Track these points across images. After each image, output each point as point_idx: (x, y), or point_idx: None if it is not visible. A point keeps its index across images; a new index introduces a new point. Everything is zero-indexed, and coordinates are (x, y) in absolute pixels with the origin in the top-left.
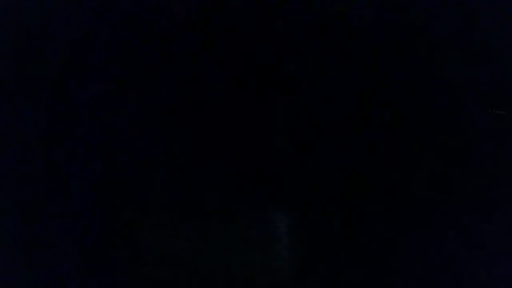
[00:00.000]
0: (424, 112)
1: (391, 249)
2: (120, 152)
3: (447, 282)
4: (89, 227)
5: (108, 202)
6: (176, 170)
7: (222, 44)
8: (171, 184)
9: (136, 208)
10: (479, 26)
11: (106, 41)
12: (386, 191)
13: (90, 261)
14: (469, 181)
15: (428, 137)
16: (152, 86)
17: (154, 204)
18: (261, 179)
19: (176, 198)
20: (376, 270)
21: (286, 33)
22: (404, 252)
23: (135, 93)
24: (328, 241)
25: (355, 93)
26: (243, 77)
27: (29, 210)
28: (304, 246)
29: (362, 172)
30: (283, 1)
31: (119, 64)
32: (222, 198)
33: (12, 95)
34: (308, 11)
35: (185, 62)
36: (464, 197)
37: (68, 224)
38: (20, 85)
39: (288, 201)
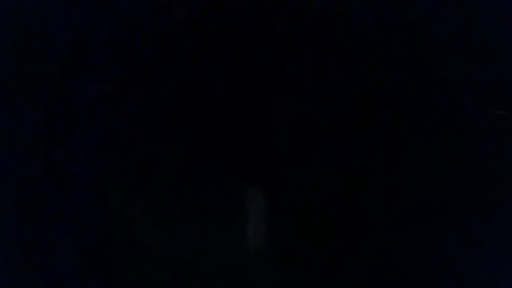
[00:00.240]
0: (424, 112)
1: (391, 249)
2: (120, 152)
3: (447, 282)
4: (89, 227)
5: (108, 202)
6: (176, 170)
7: (222, 44)
8: (171, 184)
9: (136, 208)
10: (479, 26)
11: (106, 41)
12: (386, 191)
13: (90, 261)
14: (469, 181)
15: (428, 137)
16: (152, 86)
17: (154, 204)
18: (261, 179)
19: (176, 198)
20: (376, 270)
21: (286, 33)
22: (404, 252)
23: (135, 93)
24: (328, 241)
25: (355, 93)
26: (243, 77)
27: (29, 210)
28: (304, 246)
29: (362, 172)
30: (283, 1)
31: (119, 64)
32: (222, 198)
33: (12, 95)
34: (308, 11)
35: (185, 62)
36: (464, 197)
37: (68, 224)
38: (20, 85)
39: (288, 201)
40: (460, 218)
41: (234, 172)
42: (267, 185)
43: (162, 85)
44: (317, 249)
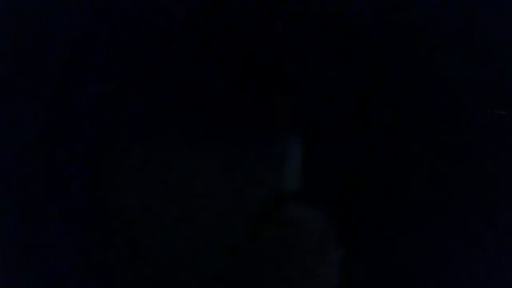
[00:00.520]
0: (424, 112)
1: (391, 249)
2: (120, 152)
3: (447, 282)
4: (89, 227)
5: (108, 202)
6: (176, 170)
7: (222, 44)
8: (171, 184)
9: (136, 208)
10: (479, 26)
11: (106, 41)
12: (385, 191)
13: (90, 261)
14: (469, 181)
15: (428, 137)
16: (152, 86)
17: (155, 204)
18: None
19: (176, 198)
20: (376, 270)
21: (286, 33)
22: (404, 252)
23: (135, 93)
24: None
25: (355, 93)
26: (243, 77)
27: (29, 210)
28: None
29: (362, 172)
30: (283, 1)
31: (119, 64)
32: (222, 198)
33: (12, 95)
34: (308, 11)
35: (185, 62)
36: (464, 197)
37: (68, 224)
38: (20, 85)
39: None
40: (460, 218)
41: (234, 172)
42: (267, 185)
43: (162, 85)
44: (317, 249)
